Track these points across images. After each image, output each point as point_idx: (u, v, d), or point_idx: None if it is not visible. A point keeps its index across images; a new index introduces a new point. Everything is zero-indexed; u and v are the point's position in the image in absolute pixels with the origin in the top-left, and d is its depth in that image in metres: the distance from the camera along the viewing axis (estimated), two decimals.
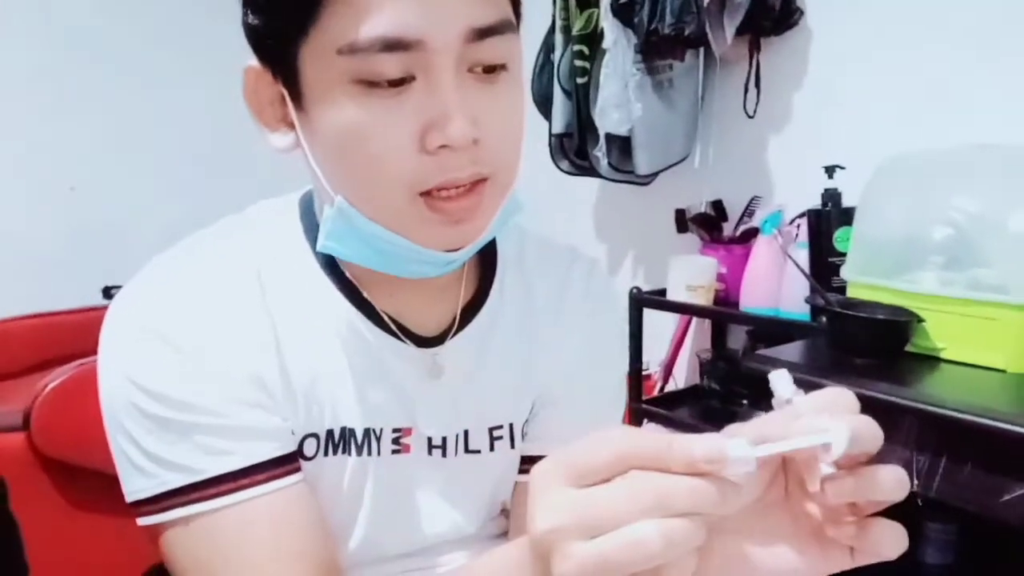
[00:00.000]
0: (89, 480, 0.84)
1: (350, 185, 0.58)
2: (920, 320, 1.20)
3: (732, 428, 0.41)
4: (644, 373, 2.05)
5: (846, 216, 1.51)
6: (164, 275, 0.63)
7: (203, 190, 2.20)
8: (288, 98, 0.58)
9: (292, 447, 0.62)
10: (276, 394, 0.62)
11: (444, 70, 0.54)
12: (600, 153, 1.96)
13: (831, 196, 1.58)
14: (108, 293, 1.94)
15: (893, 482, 0.40)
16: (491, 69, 0.56)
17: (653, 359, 2.13)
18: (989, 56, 1.55)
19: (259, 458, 0.59)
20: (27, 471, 0.87)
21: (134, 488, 0.60)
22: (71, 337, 0.97)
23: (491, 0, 0.55)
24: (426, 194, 0.56)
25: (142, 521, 0.60)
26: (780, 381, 0.45)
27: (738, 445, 0.37)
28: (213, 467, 0.58)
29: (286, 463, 0.61)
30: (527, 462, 0.74)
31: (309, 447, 0.64)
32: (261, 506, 0.59)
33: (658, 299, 1.91)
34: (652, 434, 0.39)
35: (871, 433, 0.40)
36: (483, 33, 0.54)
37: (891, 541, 0.41)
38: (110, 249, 2.20)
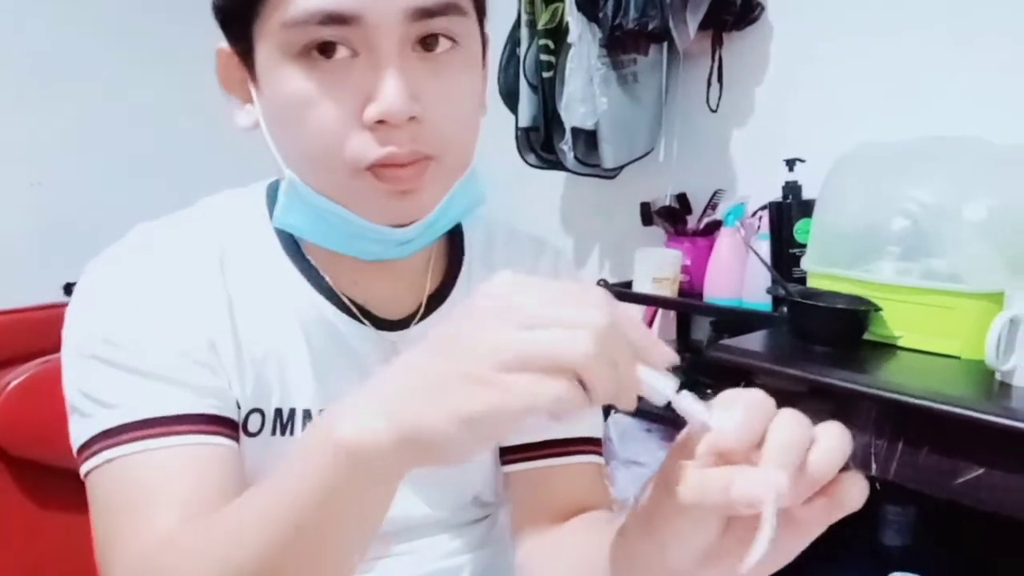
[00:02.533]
0: (54, 478, 0.83)
1: (299, 159, 0.59)
2: (877, 309, 1.23)
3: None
4: None
5: (806, 208, 1.54)
6: (135, 241, 0.65)
7: (167, 186, 2.16)
8: (248, 75, 0.60)
9: (231, 414, 0.62)
10: (226, 362, 0.62)
11: (385, 46, 0.55)
12: (566, 147, 1.97)
13: (791, 189, 1.60)
14: (69, 290, 1.91)
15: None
16: (436, 48, 0.57)
17: None
18: (945, 49, 1.59)
19: (195, 410, 0.59)
20: None
21: (77, 434, 0.60)
22: (33, 334, 0.96)
23: None
24: (371, 167, 0.57)
25: (82, 470, 0.59)
26: (686, 404, 0.41)
27: (667, 384, 0.40)
28: (148, 407, 0.58)
29: (221, 424, 0.61)
30: (507, 453, 0.75)
31: (254, 423, 0.64)
32: (184, 455, 0.58)
33: (624, 291, 1.92)
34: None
35: (820, 468, 0.39)
36: (426, 13, 0.55)
37: (856, 494, 0.41)
38: (73, 246, 2.16)
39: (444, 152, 0.59)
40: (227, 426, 0.62)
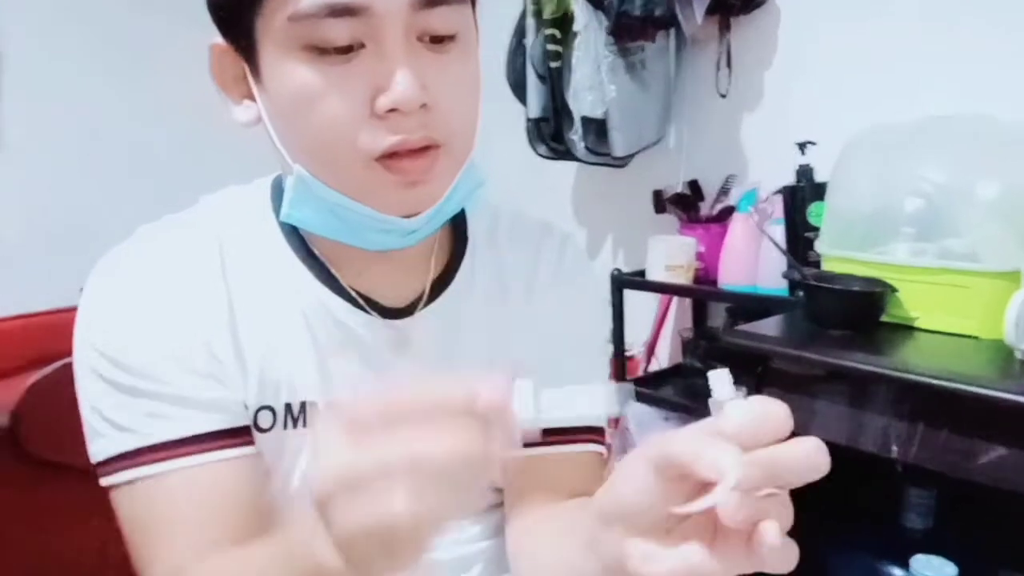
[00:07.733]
0: (72, 479, 0.84)
1: (307, 153, 0.60)
2: (894, 290, 1.22)
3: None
4: (628, 354, 2.07)
5: (819, 191, 1.52)
6: (133, 248, 0.66)
7: (180, 187, 2.18)
8: (248, 71, 0.60)
9: (241, 421, 0.64)
10: (228, 366, 0.63)
11: (392, 36, 0.55)
12: (576, 136, 1.97)
13: (804, 172, 1.59)
14: None
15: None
16: (440, 39, 0.58)
17: (636, 340, 2.15)
18: (955, 28, 1.57)
19: (204, 428, 0.61)
20: (10, 471, 0.87)
21: (94, 450, 0.62)
22: (51, 337, 0.97)
23: None
24: (381, 158, 0.58)
25: (102, 482, 0.62)
26: (719, 382, 0.43)
27: (526, 406, 0.37)
28: (159, 432, 0.60)
29: (231, 436, 0.63)
30: None
31: (264, 419, 0.65)
32: (200, 474, 0.60)
33: (639, 280, 1.92)
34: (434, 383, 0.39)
35: (763, 474, 0.38)
36: (430, 2, 0.56)
37: (778, 552, 0.39)
38: (88, 248, 2.18)
39: (451, 139, 0.60)
40: (237, 435, 0.63)
